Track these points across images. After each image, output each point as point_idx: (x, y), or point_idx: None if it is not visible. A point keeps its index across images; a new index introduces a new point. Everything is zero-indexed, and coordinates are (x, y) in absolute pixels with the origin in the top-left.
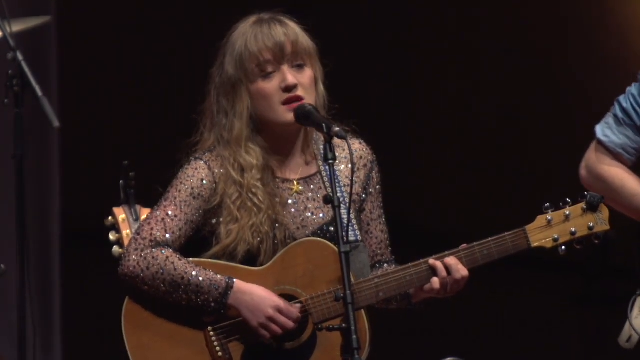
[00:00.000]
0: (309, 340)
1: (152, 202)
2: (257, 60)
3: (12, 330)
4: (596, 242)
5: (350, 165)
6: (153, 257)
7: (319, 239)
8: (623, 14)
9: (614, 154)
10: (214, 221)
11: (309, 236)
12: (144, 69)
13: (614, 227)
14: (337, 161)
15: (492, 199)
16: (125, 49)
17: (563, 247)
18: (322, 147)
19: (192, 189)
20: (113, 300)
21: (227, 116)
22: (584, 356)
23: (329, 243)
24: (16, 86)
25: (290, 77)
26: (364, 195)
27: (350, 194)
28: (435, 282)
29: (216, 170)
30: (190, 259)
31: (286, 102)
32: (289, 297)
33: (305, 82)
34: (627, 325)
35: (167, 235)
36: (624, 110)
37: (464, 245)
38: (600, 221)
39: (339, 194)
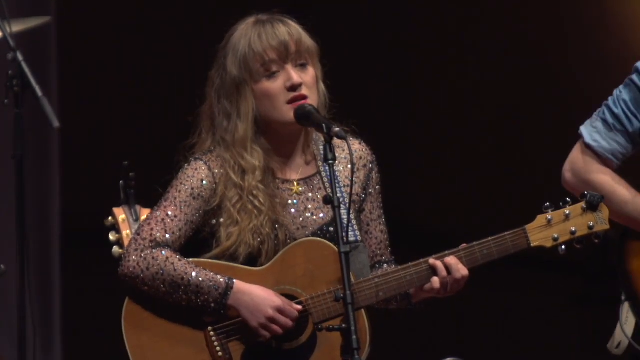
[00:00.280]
0: (309, 340)
1: (152, 202)
2: (262, 60)
3: (12, 330)
4: (596, 241)
5: (350, 166)
6: (153, 258)
7: (319, 239)
8: (623, 14)
9: (603, 159)
10: (213, 222)
11: (309, 236)
12: (144, 69)
13: (613, 227)
14: (337, 161)
15: (492, 199)
16: (125, 49)
17: (563, 247)
18: (322, 147)
19: (192, 189)
20: (113, 300)
21: (230, 118)
22: (584, 356)
23: (329, 243)
24: (16, 86)
25: (296, 76)
26: (363, 196)
27: (350, 194)
28: (436, 281)
29: (216, 171)
30: (191, 259)
31: (291, 101)
32: (288, 297)
33: (309, 81)
34: (617, 330)
35: (167, 236)
36: (614, 115)
37: (464, 245)
38: (600, 220)
39: (338, 194)
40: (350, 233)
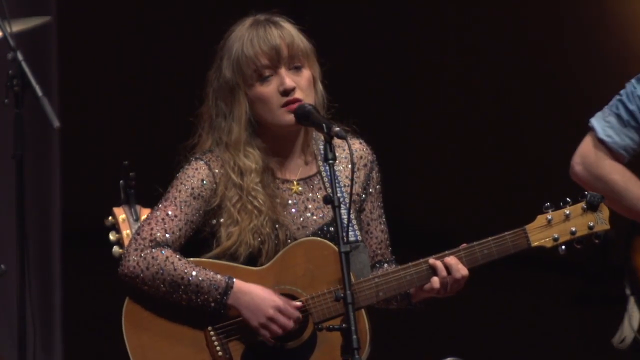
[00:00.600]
0: (309, 340)
1: (152, 202)
2: (255, 65)
3: (12, 330)
4: (596, 241)
5: (350, 165)
6: (153, 257)
7: (319, 238)
8: (623, 14)
9: (615, 154)
10: (213, 222)
11: (309, 236)
12: (144, 69)
13: (614, 226)
14: (337, 161)
15: (492, 198)
16: (125, 49)
17: (563, 247)
18: (322, 147)
19: (192, 189)
20: (113, 300)
21: (226, 119)
22: (583, 356)
23: (329, 243)
24: (16, 86)
25: (288, 80)
26: (363, 195)
27: (350, 194)
28: (435, 281)
29: (216, 171)
30: (191, 259)
31: (285, 105)
32: (288, 297)
33: (303, 83)
34: (624, 325)
35: (167, 235)
36: (629, 112)
37: (464, 245)
38: (600, 221)
39: (338, 194)
40: (350, 233)
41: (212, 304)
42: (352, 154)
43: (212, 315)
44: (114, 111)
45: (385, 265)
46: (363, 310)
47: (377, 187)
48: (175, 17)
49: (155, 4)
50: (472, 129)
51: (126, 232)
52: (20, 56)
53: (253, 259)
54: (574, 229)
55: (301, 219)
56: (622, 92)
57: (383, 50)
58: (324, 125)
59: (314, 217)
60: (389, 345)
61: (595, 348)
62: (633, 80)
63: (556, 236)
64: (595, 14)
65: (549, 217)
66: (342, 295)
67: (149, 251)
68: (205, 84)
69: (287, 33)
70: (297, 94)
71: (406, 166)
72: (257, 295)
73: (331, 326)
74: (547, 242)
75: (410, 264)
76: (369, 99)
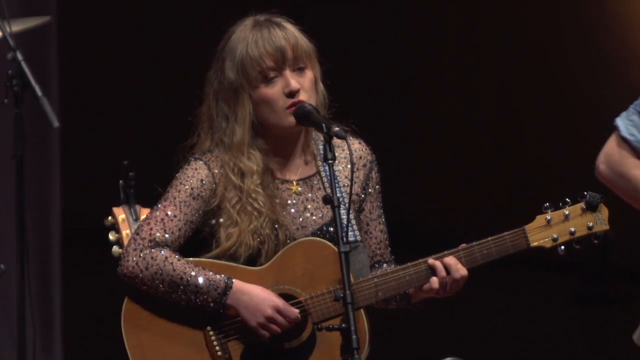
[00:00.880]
0: (309, 340)
1: (151, 202)
2: (260, 67)
3: (12, 330)
4: (595, 242)
5: (349, 165)
6: (152, 258)
7: (318, 239)
8: (623, 14)
9: (638, 152)
10: (213, 222)
11: (308, 236)
12: (144, 69)
13: (613, 227)
14: (337, 161)
15: (492, 199)
16: (125, 49)
17: (562, 247)
18: (321, 147)
19: (192, 189)
20: (113, 300)
21: (228, 121)
22: (583, 356)
23: (329, 243)
24: (16, 86)
25: (294, 82)
26: (363, 195)
27: (350, 194)
28: (435, 281)
29: (216, 171)
30: (190, 259)
31: (289, 107)
32: (288, 297)
33: (307, 85)
34: None
35: (167, 236)
36: None
37: (463, 245)
38: (599, 221)
39: (338, 194)
40: (349, 233)
41: (211, 304)
42: (351, 154)
43: (212, 315)
44: (114, 111)
45: (385, 265)
46: (362, 310)
47: (377, 187)
48: (175, 17)
49: (155, 4)
50: (472, 129)
51: (126, 232)
52: (20, 56)
53: (253, 260)
54: (573, 229)
55: (300, 219)
56: None
57: (383, 50)
58: (323, 125)
59: (314, 217)
60: (389, 345)
61: (594, 348)
62: None
63: (555, 236)
64: (595, 14)
65: (548, 217)
66: (341, 295)
67: (148, 251)
68: (205, 84)
69: (290, 34)
70: (301, 96)
71: (406, 166)
72: (256, 295)
73: (330, 326)
74: (547, 243)
75: (409, 264)
76: (369, 99)
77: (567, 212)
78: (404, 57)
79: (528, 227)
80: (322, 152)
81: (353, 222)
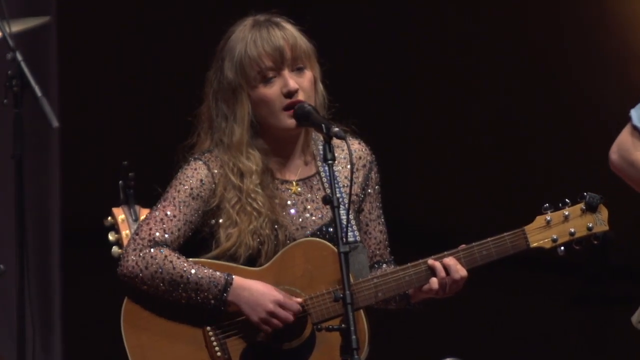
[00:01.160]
0: (308, 340)
1: (151, 202)
2: (258, 67)
3: (12, 330)
4: (595, 242)
5: (349, 166)
6: (151, 257)
7: (317, 239)
8: (623, 14)
9: None
10: (212, 222)
11: (308, 237)
12: (144, 69)
13: (613, 227)
14: (336, 161)
15: (492, 199)
16: (125, 49)
17: (562, 248)
18: (321, 147)
19: (191, 189)
20: (113, 300)
21: (227, 121)
22: (583, 356)
23: (328, 243)
24: (16, 86)
25: (292, 82)
26: (362, 196)
27: (350, 194)
28: (434, 282)
29: (215, 171)
30: (190, 259)
31: (287, 107)
32: None
33: (306, 85)
34: None
35: (166, 236)
36: None
37: (463, 246)
38: (599, 222)
39: (337, 195)
40: (349, 233)
41: (212, 301)
42: (351, 154)
43: (211, 314)
44: (114, 111)
45: (384, 265)
46: (362, 311)
47: (376, 187)
48: (175, 17)
49: (155, 4)
50: (472, 129)
51: (125, 233)
52: (19, 56)
53: (252, 260)
54: (573, 230)
55: (300, 220)
56: None
57: (383, 50)
58: (323, 125)
59: (313, 218)
60: (388, 345)
61: (594, 348)
62: None
63: (555, 237)
64: (595, 14)
65: (548, 218)
66: (341, 295)
67: (147, 251)
68: (205, 84)
69: (289, 34)
70: (300, 96)
71: (406, 166)
72: (256, 290)
73: (330, 326)
74: (546, 243)
75: (409, 264)
76: (369, 99)
77: (566, 213)
78: (404, 57)
79: (528, 228)
80: (321, 152)
81: (352, 222)
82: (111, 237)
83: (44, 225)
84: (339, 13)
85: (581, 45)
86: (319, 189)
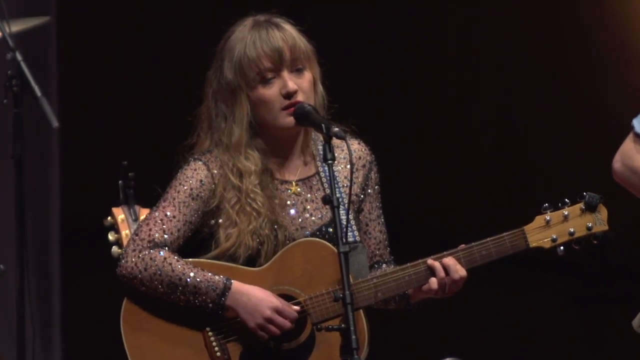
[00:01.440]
0: (308, 340)
1: (151, 202)
2: (257, 68)
3: (12, 330)
4: (595, 242)
5: (348, 166)
6: (151, 258)
7: (317, 239)
8: (623, 14)
9: None
10: (212, 222)
11: (307, 237)
12: (144, 69)
13: (613, 227)
14: (336, 161)
15: (492, 199)
16: (125, 49)
17: (562, 248)
18: (321, 147)
19: (191, 189)
20: (112, 300)
21: (226, 121)
22: (583, 356)
23: (328, 243)
24: (15, 86)
25: (291, 83)
26: (362, 196)
27: (349, 194)
28: (434, 282)
29: (215, 172)
30: (190, 259)
31: (286, 108)
32: (287, 298)
33: (305, 86)
34: None
35: (166, 236)
36: None
37: (463, 246)
38: (598, 221)
39: (337, 195)
40: (349, 233)
41: (210, 305)
42: (350, 154)
43: (211, 316)
44: (114, 111)
45: (384, 265)
46: (362, 311)
47: (376, 187)
48: (175, 17)
49: (155, 4)
50: (472, 129)
51: (125, 233)
52: (19, 56)
53: (252, 260)
54: (572, 229)
55: (300, 220)
56: None
57: (383, 50)
58: (323, 125)
59: (313, 218)
60: (388, 345)
61: (594, 348)
62: None
63: (555, 237)
64: (595, 14)
65: (548, 217)
66: (340, 295)
67: (147, 252)
68: (205, 84)
69: (289, 35)
70: (299, 97)
71: (406, 166)
72: (254, 296)
73: (330, 326)
74: (546, 243)
75: (408, 264)
76: (369, 99)
77: (566, 213)
78: (404, 57)
79: (527, 228)
80: (321, 152)
81: (352, 222)
82: (111, 237)
83: (44, 225)
84: (339, 13)
85: (581, 45)
86: (318, 189)
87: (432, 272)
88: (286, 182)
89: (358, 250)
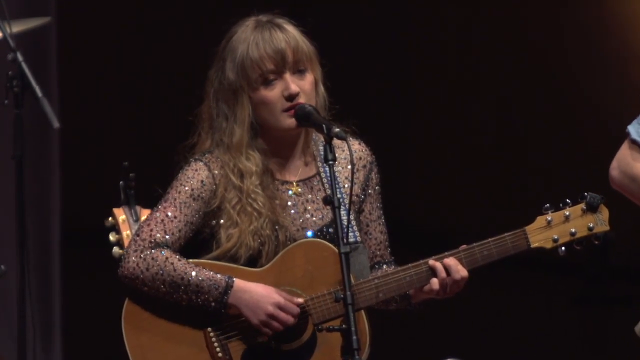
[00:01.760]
0: (309, 341)
1: (152, 202)
2: (260, 69)
3: (12, 330)
4: (596, 242)
5: (349, 166)
6: (152, 258)
7: (318, 240)
8: (623, 14)
9: None
10: (213, 222)
11: (308, 237)
12: (144, 69)
13: (614, 227)
14: (337, 162)
15: (492, 199)
16: (125, 49)
17: (563, 248)
18: (321, 147)
19: (192, 190)
20: (113, 300)
21: (227, 121)
22: (583, 356)
23: (329, 244)
24: (16, 87)
25: (293, 85)
26: (363, 196)
27: (350, 195)
28: (435, 282)
29: (216, 172)
30: (191, 260)
31: (288, 110)
32: None
33: (307, 87)
34: None
35: (167, 237)
36: None
37: (464, 246)
38: (600, 222)
39: (338, 195)
40: (349, 234)
41: (213, 304)
42: (351, 154)
43: (212, 316)
44: (114, 111)
45: (385, 266)
46: (363, 311)
47: (377, 188)
48: (175, 17)
49: (155, 4)
50: (472, 129)
51: (126, 233)
52: (20, 57)
53: (253, 261)
54: (573, 230)
55: (300, 220)
56: None
57: (383, 50)
58: (323, 126)
59: (314, 219)
60: (389, 346)
61: (594, 348)
62: None
63: (556, 237)
64: (595, 14)
65: (549, 218)
66: (342, 296)
67: (148, 252)
68: (206, 83)
69: (291, 37)
70: (301, 99)
71: (406, 166)
72: (256, 293)
73: (331, 327)
74: (547, 243)
75: (409, 265)
76: (369, 99)
77: (567, 213)
78: (404, 57)
79: (528, 228)
80: (322, 153)
81: (353, 223)
82: (112, 237)
83: (44, 226)
84: (339, 13)
85: (581, 45)
86: (319, 190)
87: (433, 272)
88: (287, 182)
89: (359, 250)
